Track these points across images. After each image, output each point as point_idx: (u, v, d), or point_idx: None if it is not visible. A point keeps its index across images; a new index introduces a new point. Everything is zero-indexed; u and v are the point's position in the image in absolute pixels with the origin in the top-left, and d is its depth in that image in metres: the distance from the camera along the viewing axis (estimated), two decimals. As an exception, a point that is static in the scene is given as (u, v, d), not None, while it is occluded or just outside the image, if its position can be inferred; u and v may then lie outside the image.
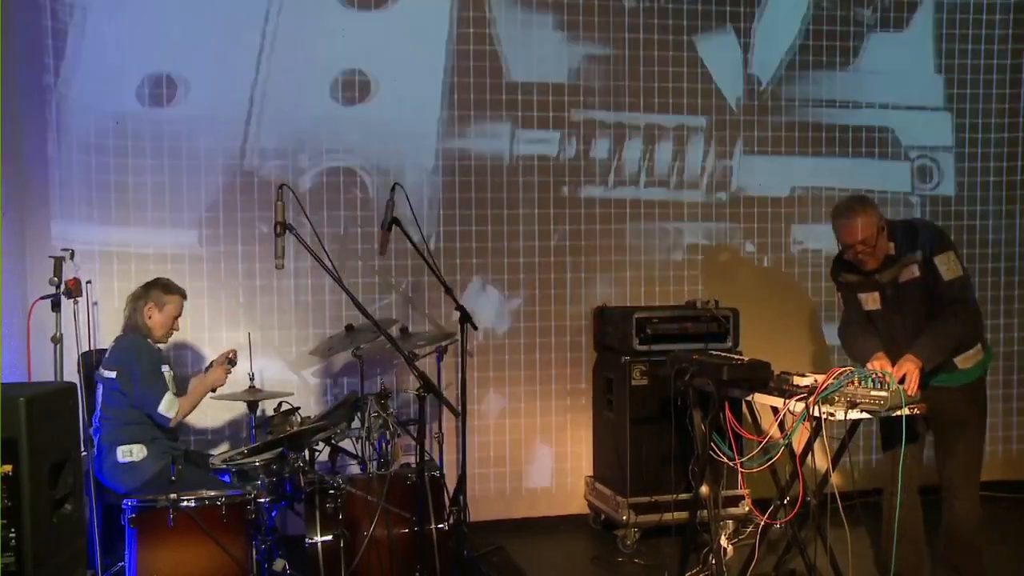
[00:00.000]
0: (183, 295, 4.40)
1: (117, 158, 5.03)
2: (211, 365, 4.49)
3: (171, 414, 4.18)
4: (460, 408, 4.79)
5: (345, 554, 3.95)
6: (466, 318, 4.80)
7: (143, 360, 4.23)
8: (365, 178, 5.32)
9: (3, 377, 3.94)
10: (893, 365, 3.72)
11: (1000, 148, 6.09)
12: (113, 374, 4.21)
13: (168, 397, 4.19)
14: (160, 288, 4.32)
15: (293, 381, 5.21)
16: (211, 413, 5.02)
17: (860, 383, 3.53)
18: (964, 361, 3.87)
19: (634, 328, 5.07)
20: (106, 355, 4.32)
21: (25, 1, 4.80)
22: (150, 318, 4.28)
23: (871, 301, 4.02)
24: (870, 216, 3.81)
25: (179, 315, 4.40)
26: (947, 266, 3.79)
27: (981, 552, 3.99)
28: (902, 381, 3.60)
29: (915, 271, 3.84)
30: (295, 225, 3.79)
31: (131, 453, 4.16)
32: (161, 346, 4.41)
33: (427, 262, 4.75)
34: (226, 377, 4.40)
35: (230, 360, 4.43)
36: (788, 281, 5.88)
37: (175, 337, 4.55)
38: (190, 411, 4.35)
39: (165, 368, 4.31)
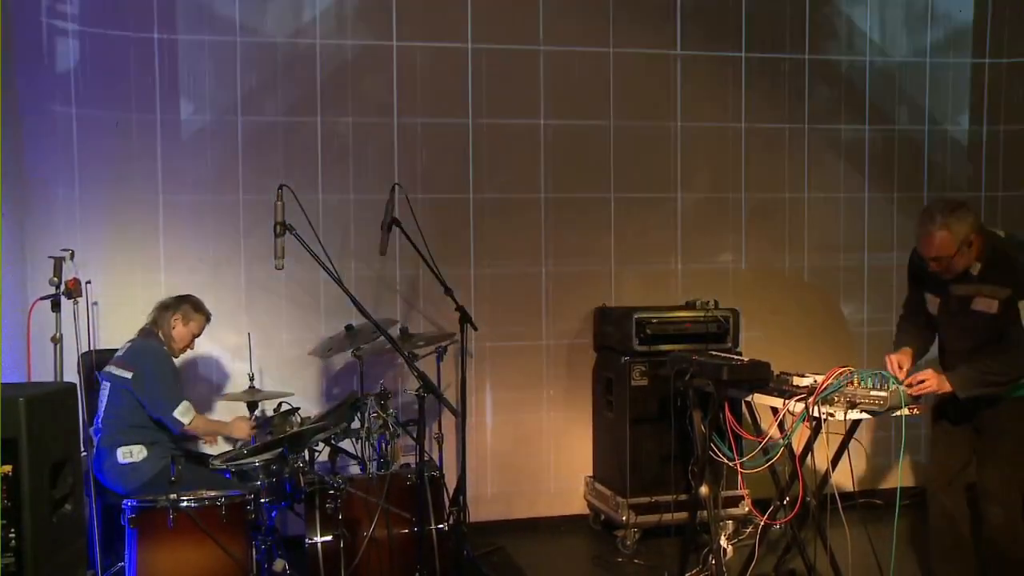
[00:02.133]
0: (208, 318, 4.50)
1: (117, 158, 5.05)
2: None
3: (186, 419, 4.19)
4: (460, 408, 4.79)
5: (345, 554, 3.95)
6: (466, 318, 4.80)
7: (164, 365, 4.27)
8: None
9: (3, 377, 3.94)
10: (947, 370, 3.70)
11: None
12: (128, 374, 4.21)
13: (186, 403, 4.22)
14: (191, 304, 4.42)
15: (293, 381, 5.20)
16: (212, 413, 5.02)
17: (859, 383, 3.54)
18: None
19: (634, 328, 5.07)
20: (119, 354, 4.33)
21: (25, 2, 4.80)
22: (174, 328, 4.36)
23: (933, 305, 3.86)
24: (954, 232, 3.54)
25: (199, 334, 4.49)
26: None
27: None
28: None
29: (993, 307, 3.59)
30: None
31: (131, 454, 4.17)
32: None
33: (427, 262, 4.75)
34: (249, 432, 4.46)
35: (253, 427, 4.50)
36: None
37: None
38: (202, 433, 4.44)
39: None
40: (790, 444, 3.79)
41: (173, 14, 5.07)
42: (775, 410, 3.70)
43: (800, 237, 5.91)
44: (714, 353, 4.28)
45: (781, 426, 3.78)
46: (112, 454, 4.16)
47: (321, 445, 4.53)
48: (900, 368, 3.74)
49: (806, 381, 3.63)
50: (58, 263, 4.02)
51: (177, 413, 4.18)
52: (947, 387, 3.60)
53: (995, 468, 3.73)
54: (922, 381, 3.58)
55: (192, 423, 4.23)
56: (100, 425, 4.24)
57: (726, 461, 3.99)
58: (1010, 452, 3.71)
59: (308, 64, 5.25)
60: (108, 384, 4.26)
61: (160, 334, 4.35)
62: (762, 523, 4.00)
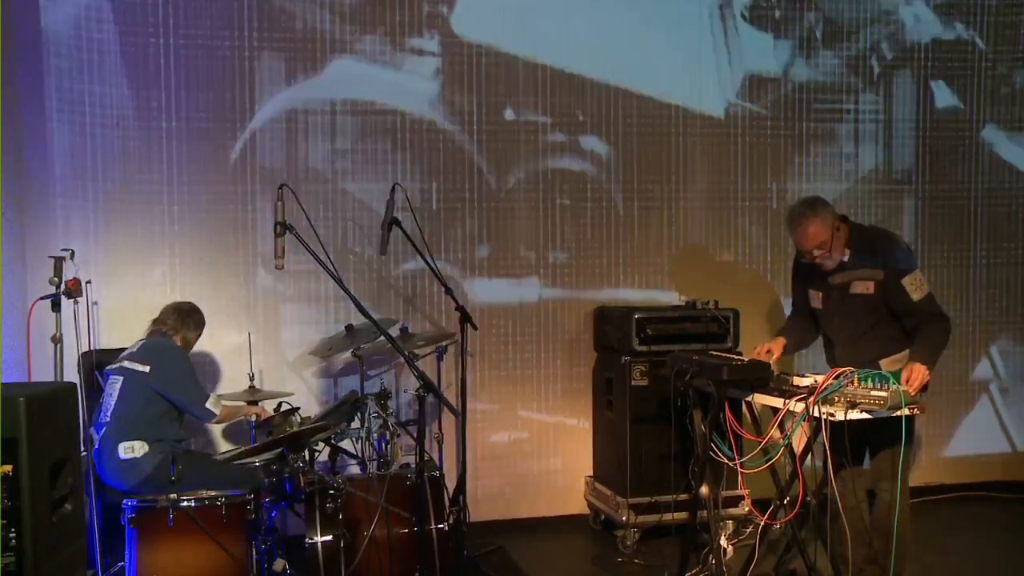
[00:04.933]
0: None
1: (117, 157, 5.05)
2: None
3: (218, 409, 4.29)
4: (460, 408, 4.80)
5: (345, 554, 3.95)
6: (466, 318, 4.80)
7: (187, 362, 4.36)
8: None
9: (3, 377, 3.94)
10: (835, 363, 3.97)
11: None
12: (146, 368, 4.22)
13: (214, 396, 4.34)
14: (200, 315, 4.51)
15: (293, 381, 5.21)
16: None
17: (859, 383, 3.54)
18: (890, 364, 3.88)
19: (634, 328, 5.07)
20: (133, 350, 4.33)
21: (25, 1, 4.81)
22: (188, 336, 4.45)
23: (816, 299, 4.16)
24: (823, 220, 3.91)
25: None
26: (916, 286, 3.88)
27: (904, 552, 3.88)
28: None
29: (869, 287, 3.93)
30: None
31: (132, 449, 4.15)
32: None
33: (427, 262, 4.75)
34: (263, 413, 4.54)
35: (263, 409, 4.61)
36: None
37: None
38: (227, 418, 4.50)
39: None
40: (790, 444, 3.79)
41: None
42: (775, 410, 3.71)
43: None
44: (714, 353, 4.28)
45: (781, 426, 3.79)
46: (115, 450, 4.15)
47: (321, 445, 4.53)
48: (769, 353, 4.12)
49: (806, 381, 3.63)
50: (58, 263, 4.02)
51: (209, 404, 4.27)
52: (927, 366, 3.69)
53: (882, 457, 3.89)
54: (911, 376, 3.64)
55: (220, 413, 4.34)
56: (108, 419, 4.22)
57: (726, 461, 3.99)
58: (895, 436, 3.75)
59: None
60: (120, 379, 4.24)
61: (173, 336, 4.38)
62: (762, 523, 4.00)
